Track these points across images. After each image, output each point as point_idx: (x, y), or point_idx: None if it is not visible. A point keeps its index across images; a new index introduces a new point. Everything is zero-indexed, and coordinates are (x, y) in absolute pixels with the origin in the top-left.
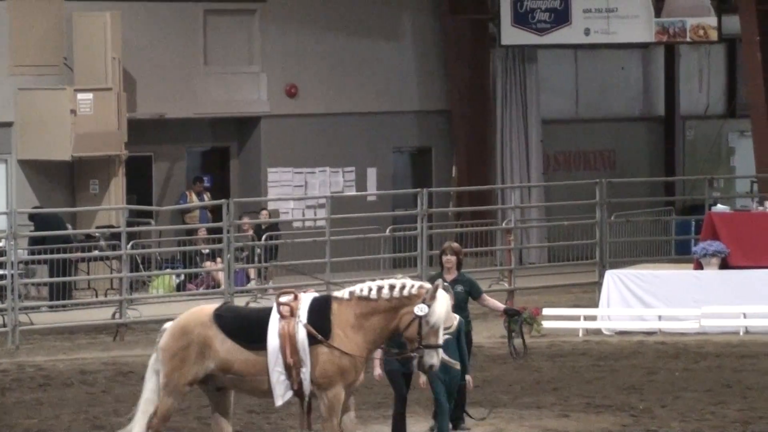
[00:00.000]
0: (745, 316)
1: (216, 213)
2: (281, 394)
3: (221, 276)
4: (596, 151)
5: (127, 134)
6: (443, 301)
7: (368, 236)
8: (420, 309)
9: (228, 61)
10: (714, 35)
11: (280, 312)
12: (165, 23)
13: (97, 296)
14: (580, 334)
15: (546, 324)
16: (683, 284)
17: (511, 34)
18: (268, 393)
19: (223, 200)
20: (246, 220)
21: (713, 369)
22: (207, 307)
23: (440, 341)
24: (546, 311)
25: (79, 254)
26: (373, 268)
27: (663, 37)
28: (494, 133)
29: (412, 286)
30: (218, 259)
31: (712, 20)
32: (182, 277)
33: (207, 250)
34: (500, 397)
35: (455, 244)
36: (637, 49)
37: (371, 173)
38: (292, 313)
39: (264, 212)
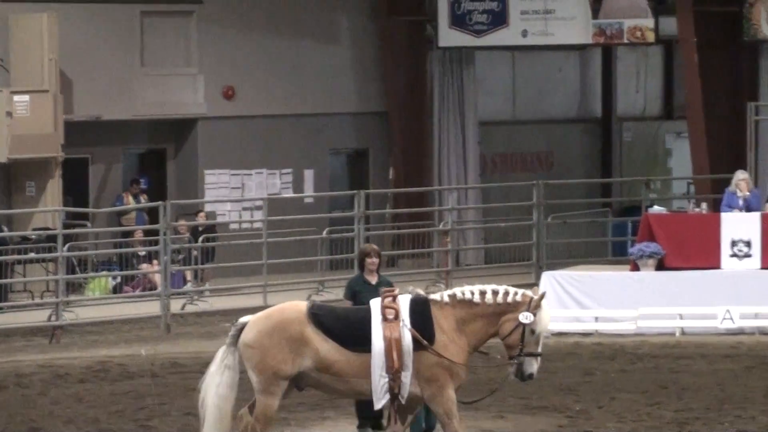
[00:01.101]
0: (681, 317)
1: (153, 215)
2: (381, 397)
3: (158, 278)
4: (533, 153)
5: (63, 136)
6: (548, 310)
7: (305, 238)
8: (525, 317)
9: (165, 63)
10: (651, 37)
11: (384, 314)
12: (102, 25)
13: (33, 298)
14: None
15: None
16: (620, 285)
17: (449, 36)
18: (365, 395)
19: (159, 202)
20: (183, 222)
21: (649, 370)
22: (297, 305)
23: (540, 350)
24: None
25: (15, 256)
26: (310, 270)
27: (600, 38)
28: (431, 135)
29: (516, 293)
30: (155, 261)
31: (649, 22)
32: (118, 279)
33: (143, 252)
34: None
35: (376, 246)
36: (574, 51)
37: (308, 175)
38: (396, 316)
39: (201, 214)
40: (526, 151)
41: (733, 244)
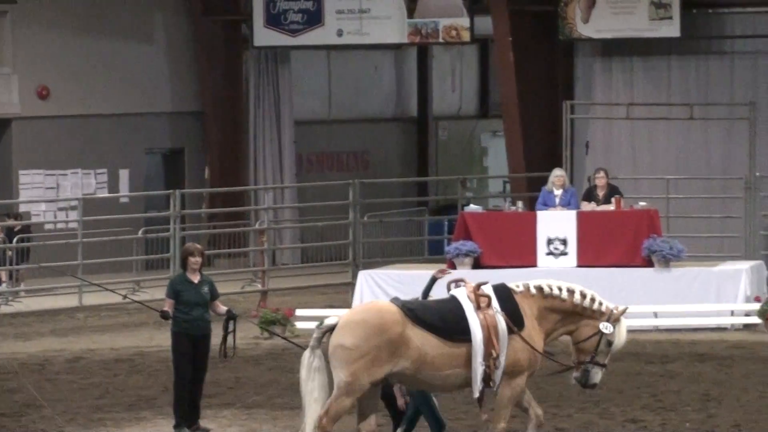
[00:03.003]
0: None
1: None
2: (479, 386)
3: None
4: (349, 152)
5: None
6: (625, 325)
7: (121, 238)
8: (605, 327)
9: None
10: (466, 36)
11: (477, 302)
12: None
13: None
14: None
15: (299, 325)
16: (436, 284)
17: (264, 36)
18: (459, 386)
19: None
20: None
21: None
22: (386, 304)
23: (607, 361)
24: (299, 312)
25: None
26: (125, 269)
27: (416, 37)
28: (247, 134)
29: (601, 303)
30: None
31: (464, 21)
32: None
33: None
34: (253, 399)
35: (199, 246)
36: (390, 50)
37: (123, 175)
38: (489, 304)
39: (15, 215)
40: (342, 151)
41: (549, 242)
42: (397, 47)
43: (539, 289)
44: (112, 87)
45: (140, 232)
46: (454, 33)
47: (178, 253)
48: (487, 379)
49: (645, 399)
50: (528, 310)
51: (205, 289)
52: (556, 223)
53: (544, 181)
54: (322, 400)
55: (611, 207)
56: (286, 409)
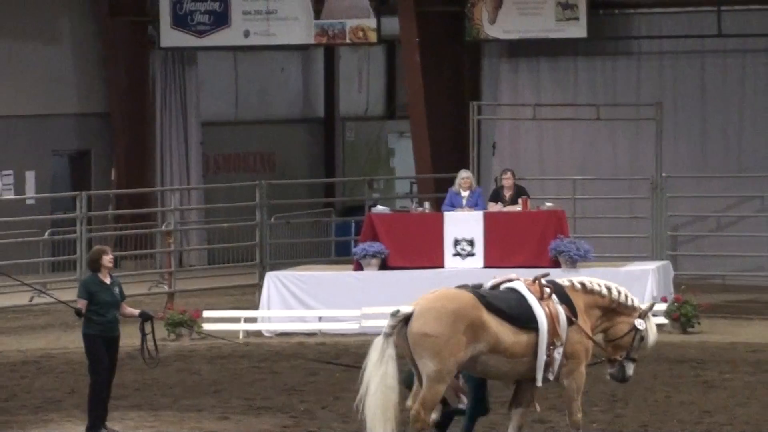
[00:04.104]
0: None
1: None
2: (542, 375)
3: None
4: (256, 153)
5: None
6: (653, 322)
7: (27, 240)
8: (640, 323)
9: None
10: (373, 37)
11: (541, 293)
12: None
13: None
14: (241, 336)
15: (206, 326)
16: (343, 285)
17: (171, 37)
18: (522, 375)
19: None
20: None
21: None
22: (459, 291)
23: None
24: (206, 313)
25: None
26: (32, 271)
27: (322, 38)
28: (154, 136)
29: (633, 299)
30: None
31: (371, 22)
32: None
33: None
34: (160, 400)
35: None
36: (297, 51)
37: (30, 176)
38: (550, 295)
39: None
40: (249, 152)
41: (456, 243)
42: (304, 48)
43: (582, 285)
44: (18, 88)
45: (47, 233)
46: (361, 34)
47: (85, 255)
48: (546, 368)
49: (552, 399)
50: (579, 304)
51: (116, 290)
52: (463, 224)
53: (451, 182)
54: (393, 388)
55: (518, 208)
56: (193, 411)
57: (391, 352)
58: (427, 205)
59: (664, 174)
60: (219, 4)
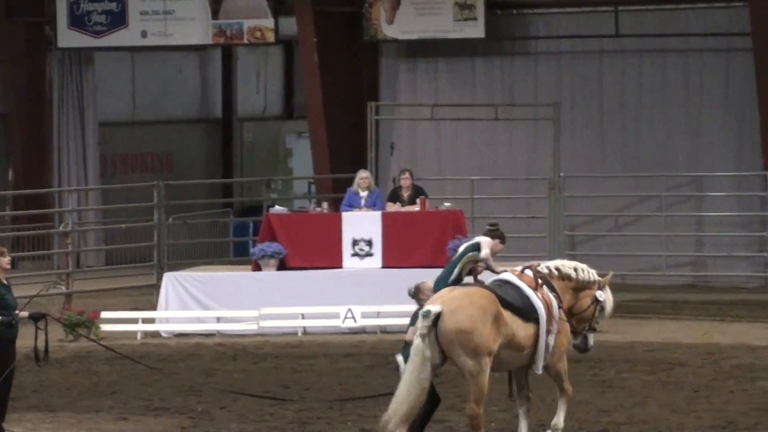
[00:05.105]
0: (303, 316)
1: None
2: (542, 363)
3: None
4: (154, 154)
5: None
6: (610, 291)
7: None
8: (601, 295)
9: None
10: (271, 37)
11: (535, 283)
12: None
13: None
14: (139, 337)
15: (104, 327)
16: (242, 286)
17: (68, 37)
18: (524, 365)
19: None
20: None
21: (271, 370)
22: (474, 287)
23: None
24: (104, 314)
25: None
26: None
27: (220, 39)
28: (51, 137)
29: (590, 272)
30: None
31: (269, 22)
32: None
33: None
34: (57, 402)
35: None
36: (194, 52)
37: None
38: (542, 285)
39: None
40: (147, 152)
41: (355, 243)
42: (201, 48)
43: (558, 270)
44: None
45: None
46: (258, 34)
47: None
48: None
49: (451, 399)
50: (559, 291)
51: (13, 292)
52: (361, 224)
53: (349, 182)
54: (425, 389)
55: (416, 208)
56: (90, 412)
57: (428, 353)
58: (325, 205)
59: (561, 174)
60: (116, 4)
